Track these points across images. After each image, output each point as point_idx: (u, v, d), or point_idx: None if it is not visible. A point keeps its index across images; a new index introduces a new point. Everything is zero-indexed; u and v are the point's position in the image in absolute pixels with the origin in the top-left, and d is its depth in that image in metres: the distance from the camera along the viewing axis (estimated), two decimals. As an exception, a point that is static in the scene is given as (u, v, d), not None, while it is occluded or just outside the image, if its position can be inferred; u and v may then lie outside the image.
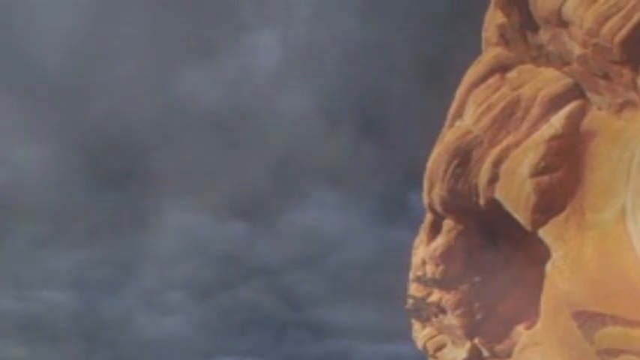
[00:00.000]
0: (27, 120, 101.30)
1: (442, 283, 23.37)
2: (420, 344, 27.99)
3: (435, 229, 23.27)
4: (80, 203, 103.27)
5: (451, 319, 23.82)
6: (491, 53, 20.35)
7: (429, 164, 21.51)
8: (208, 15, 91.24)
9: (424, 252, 24.17)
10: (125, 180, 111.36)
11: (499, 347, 22.69)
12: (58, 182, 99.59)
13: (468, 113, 20.43)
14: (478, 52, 21.11)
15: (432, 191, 21.42)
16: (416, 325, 28.00)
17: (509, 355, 22.19)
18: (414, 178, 24.82)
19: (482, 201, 19.85)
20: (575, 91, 17.88)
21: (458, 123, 20.89)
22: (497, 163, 19.04)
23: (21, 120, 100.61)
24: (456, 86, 21.34)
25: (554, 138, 17.76)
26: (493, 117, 19.37)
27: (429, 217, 23.47)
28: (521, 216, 18.32)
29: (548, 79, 18.50)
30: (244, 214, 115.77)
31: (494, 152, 19.14)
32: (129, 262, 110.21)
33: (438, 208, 21.70)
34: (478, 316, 22.77)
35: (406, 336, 29.00)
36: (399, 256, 28.59)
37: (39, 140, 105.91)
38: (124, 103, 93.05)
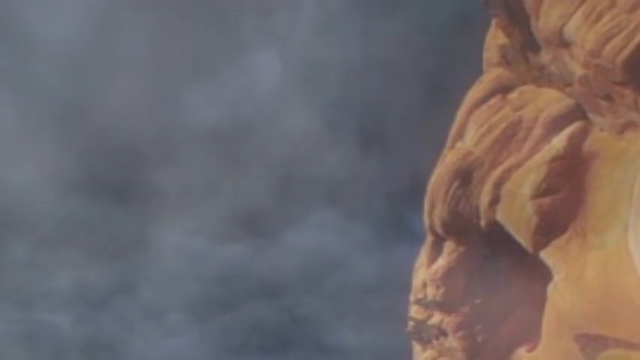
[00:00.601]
0: (27, 137, 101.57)
1: (443, 305, 23.16)
2: (420, 367, 27.70)
3: (436, 251, 23.12)
4: (80, 221, 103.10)
5: (452, 342, 23.56)
6: (492, 74, 20.37)
7: (430, 185, 21.43)
8: (210, 34, 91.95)
9: (425, 274, 24.00)
10: (125, 198, 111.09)
11: (500, 370, 22.39)
12: (57, 200, 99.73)
13: (469, 134, 20.40)
14: (479, 68, 21.14)
15: (433, 212, 21.31)
16: (417, 348, 27.70)
17: (510, 379, 21.90)
18: (414, 197, 24.71)
19: (483, 222, 19.72)
20: (576, 112, 17.84)
21: (459, 144, 20.85)
22: (498, 185, 18.95)
23: (21, 137, 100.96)
24: (456, 103, 21.36)
25: (555, 159, 17.69)
26: (494, 138, 19.33)
27: (429, 238, 23.33)
28: (523, 238, 18.18)
29: (550, 100, 18.48)
30: (245, 234, 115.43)
31: (496, 173, 19.06)
32: (129, 281, 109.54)
33: (439, 229, 21.57)
34: (479, 339, 22.50)
35: (407, 358, 28.72)
36: (399, 277, 28.43)
37: (38, 157, 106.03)
38: (125, 120, 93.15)
